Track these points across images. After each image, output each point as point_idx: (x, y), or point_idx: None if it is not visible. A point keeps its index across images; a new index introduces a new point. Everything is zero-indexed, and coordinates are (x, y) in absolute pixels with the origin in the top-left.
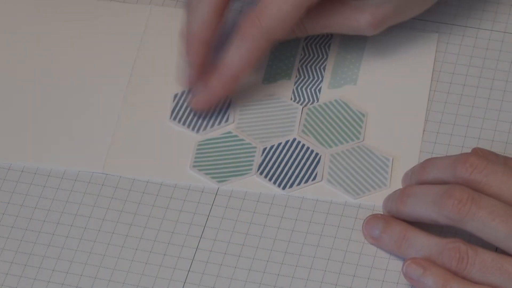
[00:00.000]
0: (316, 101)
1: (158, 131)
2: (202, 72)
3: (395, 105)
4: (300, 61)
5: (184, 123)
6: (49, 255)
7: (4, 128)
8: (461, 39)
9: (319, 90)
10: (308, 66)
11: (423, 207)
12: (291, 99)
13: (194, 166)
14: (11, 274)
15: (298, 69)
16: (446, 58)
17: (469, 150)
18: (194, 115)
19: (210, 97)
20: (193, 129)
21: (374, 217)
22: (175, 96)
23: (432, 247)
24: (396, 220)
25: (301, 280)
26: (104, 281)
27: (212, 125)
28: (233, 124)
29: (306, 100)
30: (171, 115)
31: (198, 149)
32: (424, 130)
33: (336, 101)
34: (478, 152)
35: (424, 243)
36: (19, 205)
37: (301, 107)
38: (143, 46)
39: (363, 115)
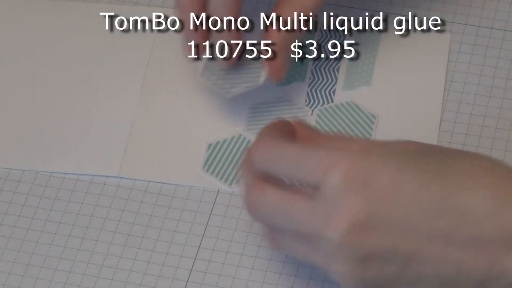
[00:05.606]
0: (330, 103)
1: (172, 134)
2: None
3: (410, 105)
4: (313, 63)
5: (214, 81)
6: (52, 254)
7: (19, 134)
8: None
9: (334, 92)
10: (322, 68)
11: None
12: (305, 101)
13: (206, 169)
14: (14, 273)
15: (312, 71)
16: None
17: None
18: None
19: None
20: (221, 88)
21: None
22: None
23: None
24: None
25: (304, 279)
26: (107, 280)
27: (242, 84)
28: (244, 126)
29: (321, 102)
30: (201, 72)
31: (209, 152)
32: (439, 130)
33: (347, 103)
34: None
35: None
36: (21, 205)
37: (310, 110)
38: (156, 47)
39: (374, 117)
